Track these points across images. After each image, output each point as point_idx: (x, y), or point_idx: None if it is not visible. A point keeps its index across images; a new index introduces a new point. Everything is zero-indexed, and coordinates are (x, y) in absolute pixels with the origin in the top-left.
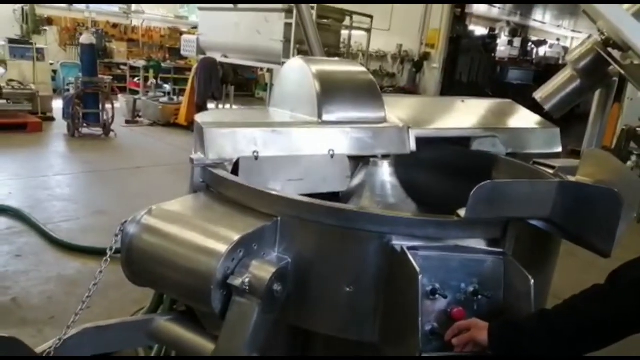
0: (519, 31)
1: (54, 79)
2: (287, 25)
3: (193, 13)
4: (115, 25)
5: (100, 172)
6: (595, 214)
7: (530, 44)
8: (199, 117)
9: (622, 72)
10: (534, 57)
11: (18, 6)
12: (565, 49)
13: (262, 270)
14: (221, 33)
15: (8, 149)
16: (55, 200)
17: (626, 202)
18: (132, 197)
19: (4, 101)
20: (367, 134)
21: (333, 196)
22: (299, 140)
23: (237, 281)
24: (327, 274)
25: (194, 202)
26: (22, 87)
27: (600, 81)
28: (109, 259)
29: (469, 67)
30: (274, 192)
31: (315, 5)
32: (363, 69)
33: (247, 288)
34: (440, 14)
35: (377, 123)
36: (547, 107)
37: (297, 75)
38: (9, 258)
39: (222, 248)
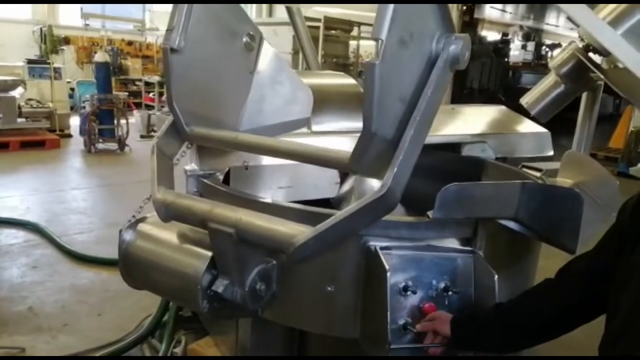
0: (532, 35)
1: (71, 96)
2: (295, 38)
3: None
4: (130, 43)
5: (114, 185)
6: (559, 213)
7: (544, 47)
8: None
9: (603, 77)
10: (548, 60)
11: (37, 27)
12: None
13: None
14: None
15: (27, 165)
16: (70, 213)
17: (603, 202)
18: (146, 209)
19: (23, 119)
20: (354, 142)
21: (325, 202)
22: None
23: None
24: (310, 275)
25: None
26: (40, 105)
27: (584, 85)
28: None
29: (480, 73)
30: (252, 198)
31: (322, 17)
32: (352, 81)
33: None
34: None
35: None
36: (533, 112)
37: None
38: (26, 269)
39: (209, 252)
